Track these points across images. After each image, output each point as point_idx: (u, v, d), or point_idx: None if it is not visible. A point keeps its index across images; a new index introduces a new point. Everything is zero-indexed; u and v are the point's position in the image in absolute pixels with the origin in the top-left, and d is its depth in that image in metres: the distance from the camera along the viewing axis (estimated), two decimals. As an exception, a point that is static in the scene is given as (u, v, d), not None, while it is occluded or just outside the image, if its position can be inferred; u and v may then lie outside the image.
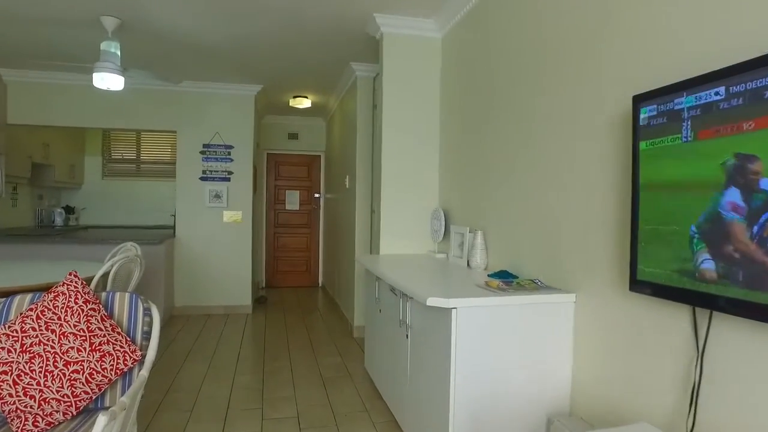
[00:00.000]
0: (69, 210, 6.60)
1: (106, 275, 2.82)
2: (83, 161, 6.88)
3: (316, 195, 7.38)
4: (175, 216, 5.26)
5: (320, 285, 7.43)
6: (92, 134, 6.91)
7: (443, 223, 3.23)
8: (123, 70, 3.32)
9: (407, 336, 2.30)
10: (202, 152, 5.24)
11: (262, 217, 7.22)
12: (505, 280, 2.12)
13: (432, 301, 1.79)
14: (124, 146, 7.05)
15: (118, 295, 2.04)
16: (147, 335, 1.98)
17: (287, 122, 7.19)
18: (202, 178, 5.24)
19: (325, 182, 7.23)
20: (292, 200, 7.32)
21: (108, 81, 3.19)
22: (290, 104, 5.86)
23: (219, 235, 5.29)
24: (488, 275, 2.38)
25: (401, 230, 3.41)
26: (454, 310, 1.78)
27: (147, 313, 2.02)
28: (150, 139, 7.08)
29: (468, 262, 2.81)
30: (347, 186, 4.97)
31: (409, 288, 2.05)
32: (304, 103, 5.80)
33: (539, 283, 2.06)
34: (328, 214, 6.82)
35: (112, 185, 6.96)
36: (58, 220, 6.33)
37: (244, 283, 5.37)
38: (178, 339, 4.36)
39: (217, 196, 5.26)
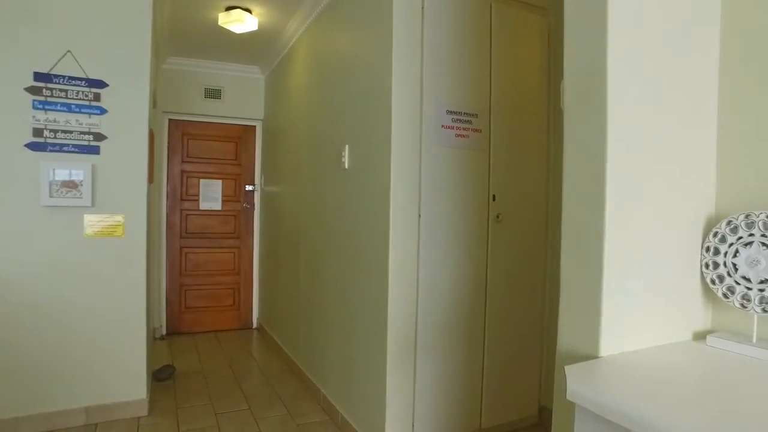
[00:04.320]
0: None
1: None
2: None
3: (249, 187, 4.80)
4: (-30, 225, 2.45)
5: (255, 326, 4.86)
6: None
7: (814, 259, 1.06)
8: None
9: None
10: (32, 90, 2.49)
11: (160, 221, 4.47)
12: None
13: None
14: None
15: None
16: None
17: (204, 70, 4.51)
18: (32, 146, 2.49)
19: (264, 167, 4.68)
20: (211, 195, 4.66)
21: None
22: (220, 22, 3.28)
23: (73, 264, 2.57)
24: None
25: (642, 277, 1.17)
26: None
27: None
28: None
29: None
30: (346, 166, 2.59)
31: None
32: (246, 21, 3.26)
33: None
34: (271, 217, 4.30)
35: None
36: None
37: (132, 355, 2.71)
38: None
39: (70, 185, 2.55)
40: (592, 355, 1.09)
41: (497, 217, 2.50)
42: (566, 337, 1.16)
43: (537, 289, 2.69)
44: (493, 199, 2.49)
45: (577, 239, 1.14)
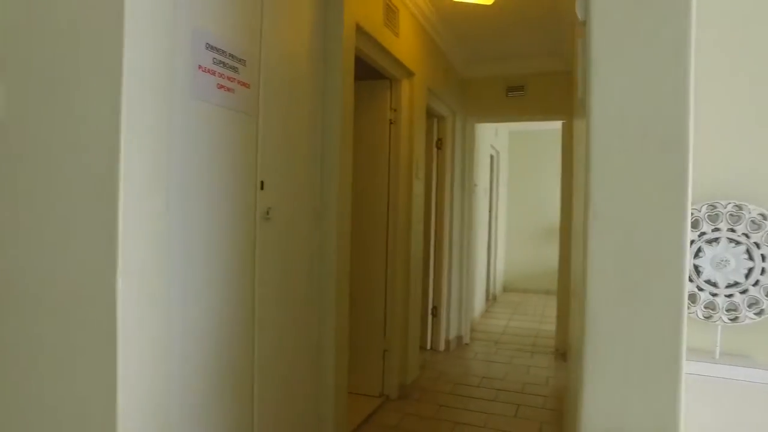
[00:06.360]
0: None
1: None
2: None
3: None
4: None
5: None
6: None
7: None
8: None
9: None
10: None
11: None
12: None
13: None
14: None
15: None
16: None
17: None
18: None
19: None
20: None
21: None
22: None
23: None
24: None
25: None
26: None
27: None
28: None
29: None
30: (-8, 118, 1.34)
31: None
32: None
33: None
34: None
35: None
36: None
37: None
38: None
39: None
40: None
41: (267, 212, 1.79)
42: (604, 414, 0.66)
43: (311, 312, 2.12)
44: (261, 188, 1.77)
45: (626, 255, 0.65)
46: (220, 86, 1.52)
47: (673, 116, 0.63)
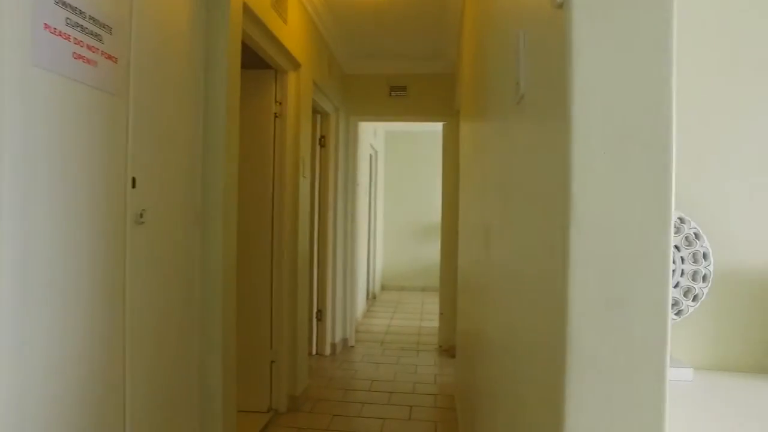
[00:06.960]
0: None
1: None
2: None
3: None
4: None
5: None
6: None
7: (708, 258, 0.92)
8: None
9: None
10: None
11: None
12: None
13: None
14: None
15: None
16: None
17: None
18: None
19: None
20: None
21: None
22: None
23: None
24: None
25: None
26: None
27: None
28: None
29: None
30: None
31: None
32: None
33: None
34: None
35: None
36: None
37: None
38: None
39: None
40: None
41: (140, 215, 1.49)
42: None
43: (194, 327, 1.84)
44: (133, 185, 1.46)
45: (609, 261, 0.60)
46: (78, 56, 1.21)
47: (658, 115, 0.59)
